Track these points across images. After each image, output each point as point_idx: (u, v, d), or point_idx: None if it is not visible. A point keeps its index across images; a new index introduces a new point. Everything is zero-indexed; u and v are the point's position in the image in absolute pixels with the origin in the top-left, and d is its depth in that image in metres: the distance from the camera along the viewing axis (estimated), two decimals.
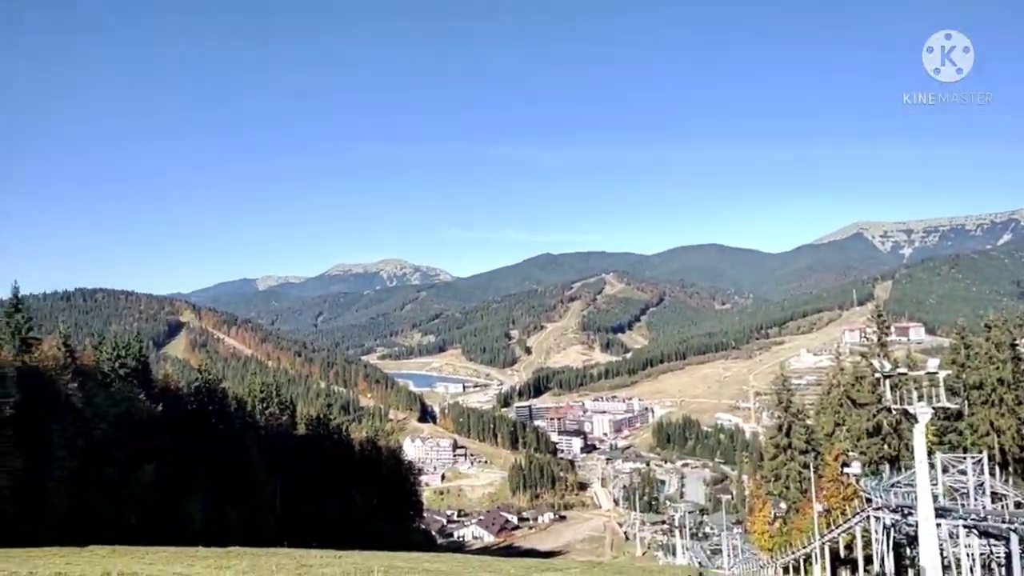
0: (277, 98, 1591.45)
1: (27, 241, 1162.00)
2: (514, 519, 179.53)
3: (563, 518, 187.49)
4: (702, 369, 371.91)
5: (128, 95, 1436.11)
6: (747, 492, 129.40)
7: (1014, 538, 32.10)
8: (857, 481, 48.84)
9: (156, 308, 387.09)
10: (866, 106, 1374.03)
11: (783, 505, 66.72)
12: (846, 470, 50.34)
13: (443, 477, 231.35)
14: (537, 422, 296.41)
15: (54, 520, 36.61)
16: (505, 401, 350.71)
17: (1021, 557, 33.97)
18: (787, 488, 66.85)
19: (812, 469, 57.92)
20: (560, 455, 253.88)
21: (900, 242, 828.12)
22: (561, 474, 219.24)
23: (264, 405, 70.16)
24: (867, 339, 66.73)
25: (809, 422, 72.39)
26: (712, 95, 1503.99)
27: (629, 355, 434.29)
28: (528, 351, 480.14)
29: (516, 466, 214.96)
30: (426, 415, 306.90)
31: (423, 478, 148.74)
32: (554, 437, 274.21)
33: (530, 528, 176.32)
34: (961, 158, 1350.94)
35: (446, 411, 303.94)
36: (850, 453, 53.62)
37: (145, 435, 45.42)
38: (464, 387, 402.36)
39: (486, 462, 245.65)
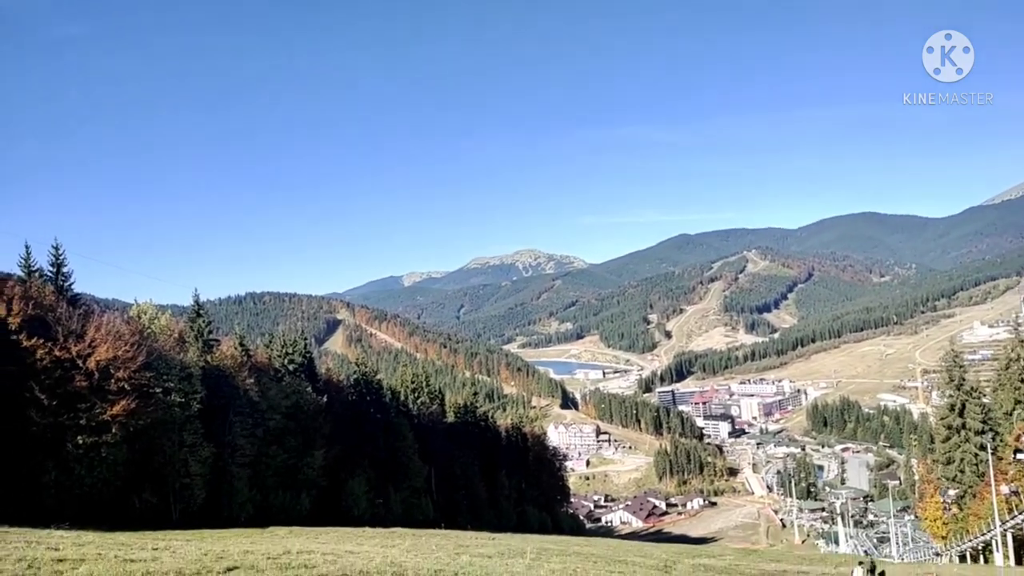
0: (412, 103, 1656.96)
1: (202, 250, 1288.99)
2: (662, 505, 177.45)
3: (713, 504, 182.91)
4: (860, 347, 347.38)
5: (282, 110, 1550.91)
6: (916, 477, 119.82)
7: None
8: None
9: (316, 308, 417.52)
10: None
11: (952, 492, 61.66)
12: (1019, 456, 45.87)
13: (588, 463, 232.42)
14: (681, 407, 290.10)
15: (240, 502, 41.08)
16: (647, 386, 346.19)
17: None
18: (961, 472, 61.56)
19: (990, 451, 53.00)
20: (707, 440, 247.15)
21: None
22: (709, 459, 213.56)
23: (416, 395, 74.08)
24: None
25: (985, 400, 66.07)
26: (846, 56, 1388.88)
27: (777, 335, 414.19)
28: (668, 335, 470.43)
29: (661, 451, 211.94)
30: (567, 402, 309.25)
31: (568, 464, 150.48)
32: (699, 422, 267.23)
33: (679, 514, 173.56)
34: None
35: (587, 398, 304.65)
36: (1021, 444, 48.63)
37: (314, 424, 49.74)
38: (604, 373, 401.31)
39: (630, 447, 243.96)
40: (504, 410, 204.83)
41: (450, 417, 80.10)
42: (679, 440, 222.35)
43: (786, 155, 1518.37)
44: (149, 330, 40.39)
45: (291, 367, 53.58)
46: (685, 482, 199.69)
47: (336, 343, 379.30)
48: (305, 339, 64.17)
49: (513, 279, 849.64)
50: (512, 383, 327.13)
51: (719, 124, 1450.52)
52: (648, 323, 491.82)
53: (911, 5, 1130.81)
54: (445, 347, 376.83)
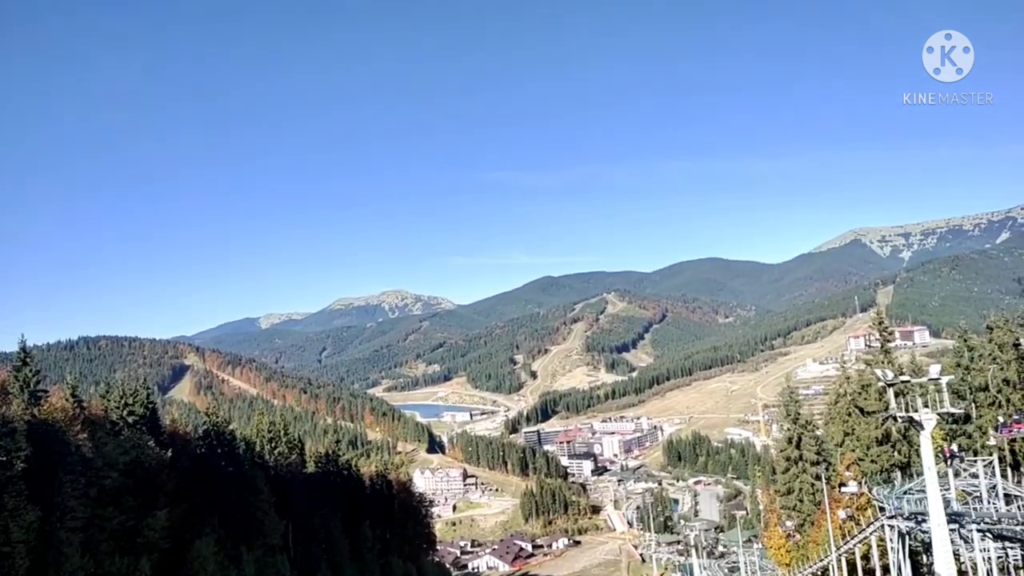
0: (271, 134, 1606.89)
1: (27, 292, 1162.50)
2: (528, 547, 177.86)
3: (578, 543, 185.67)
4: (709, 384, 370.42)
5: (120, 137, 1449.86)
6: (761, 507, 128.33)
7: None
8: (869, 490, 48.72)
9: (160, 352, 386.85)
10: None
11: (788, 523, 66.41)
12: (843, 490, 50.28)
13: (455, 508, 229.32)
14: (547, 447, 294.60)
15: (70, 570, 36.60)
16: (513, 427, 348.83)
17: None
18: (800, 501, 66.50)
19: (824, 480, 57.72)
20: (571, 479, 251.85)
21: (899, 246, 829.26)
22: (573, 498, 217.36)
23: (272, 445, 69.98)
24: (870, 346, 66.81)
25: (819, 432, 72.13)
26: (702, 109, 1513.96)
27: (635, 374, 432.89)
28: (534, 375, 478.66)
29: (528, 492, 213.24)
30: (434, 446, 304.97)
31: (435, 509, 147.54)
32: (564, 461, 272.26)
33: (545, 555, 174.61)
34: (955, 159, 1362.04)
35: (454, 440, 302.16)
36: (846, 473, 53.43)
37: (156, 481, 45.50)
38: (471, 415, 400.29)
39: (497, 490, 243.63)
40: (368, 457, 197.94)
41: (310, 467, 76.26)
42: (545, 480, 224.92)
43: (642, 202, 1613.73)
44: None
45: (131, 419, 48.91)
46: (551, 522, 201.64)
47: (183, 391, 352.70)
48: (148, 387, 58.94)
49: (379, 320, 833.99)
50: (377, 428, 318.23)
51: (583, 171, 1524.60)
52: (514, 364, 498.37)
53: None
54: (305, 392, 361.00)
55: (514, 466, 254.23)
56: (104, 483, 40.45)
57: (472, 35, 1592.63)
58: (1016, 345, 58.00)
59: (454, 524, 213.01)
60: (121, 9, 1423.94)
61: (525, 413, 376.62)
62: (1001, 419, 42.81)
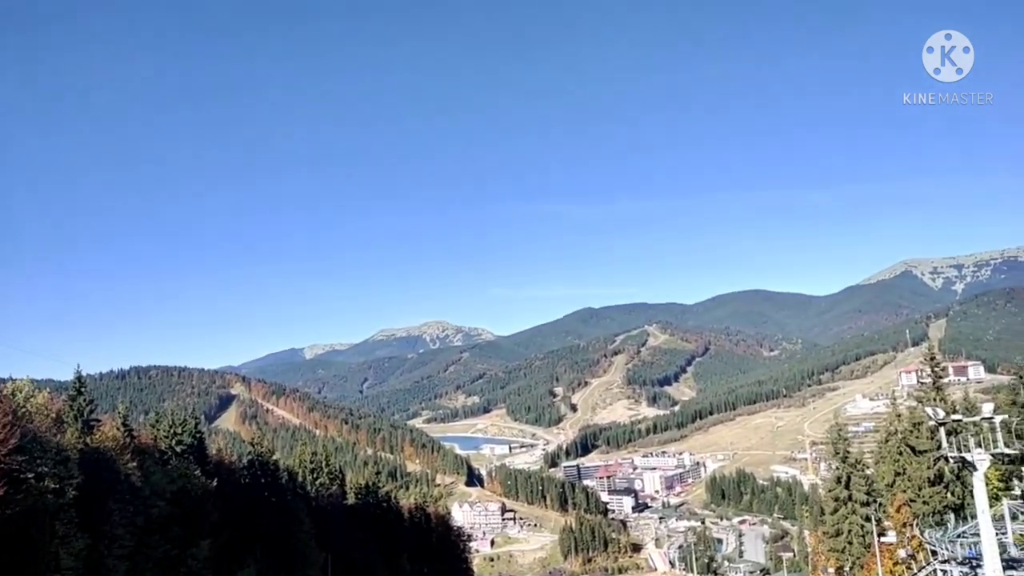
0: (318, 168, 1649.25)
1: (83, 322, 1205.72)
2: None
3: None
4: (754, 419, 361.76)
5: (170, 176, 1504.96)
6: (809, 549, 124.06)
7: None
8: (921, 533, 46.91)
9: (208, 382, 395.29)
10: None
11: (831, 569, 64.23)
12: (882, 540, 48.55)
13: (492, 543, 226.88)
14: (586, 481, 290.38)
15: None
16: (552, 461, 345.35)
17: None
18: (850, 543, 64.15)
19: (874, 522, 55.78)
20: (611, 515, 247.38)
21: (951, 278, 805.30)
22: (613, 535, 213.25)
23: (314, 475, 70.78)
24: (922, 382, 64.70)
25: (869, 472, 69.79)
26: (745, 139, 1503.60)
27: (677, 408, 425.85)
28: (574, 408, 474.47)
29: (567, 528, 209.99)
30: (473, 478, 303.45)
31: (472, 544, 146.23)
32: (604, 496, 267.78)
33: None
34: (1009, 187, 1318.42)
35: (493, 474, 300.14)
36: (887, 523, 51.52)
37: (201, 511, 46.39)
38: (510, 448, 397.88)
39: (536, 525, 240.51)
40: (407, 489, 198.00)
41: (351, 498, 76.77)
42: (584, 516, 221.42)
43: (684, 233, 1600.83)
44: (24, 409, 37.07)
45: (179, 448, 50.20)
46: (590, 560, 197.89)
47: (229, 420, 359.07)
48: (195, 417, 60.44)
49: (420, 351, 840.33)
50: (416, 460, 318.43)
51: (624, 203, 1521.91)
52: (554, 396, 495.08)
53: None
54: (347, 423, 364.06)
55: (553, 501, 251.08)
56: (151, 512, 41.44)
57: (517, 68, 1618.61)
58: None
59: (492, 560, 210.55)
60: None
61: (564, 447, 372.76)
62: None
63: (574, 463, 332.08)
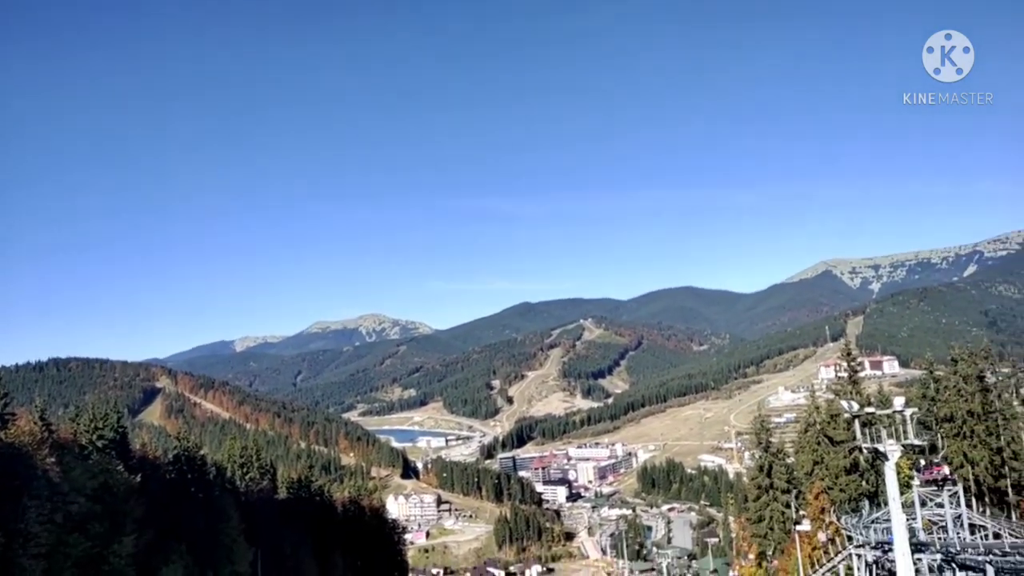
0: (250, 158, 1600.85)
1: None
2: (501, 574, 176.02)
3: (551, 571, 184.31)
4: (683, 411, 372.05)
5: (97, 160, 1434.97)
6: (733, 535, 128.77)
7: (990, 570, 32.74)
8: (837, 518, 49.35)
9: (131, 375, 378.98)
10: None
11: (751, 556, 66.91)
12: (798, 528, 50.90)
13: (428, 534, 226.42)
14: (521, 472, 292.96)
15: None
16: (488, 453, 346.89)
17: None
18: (771, 529, 66.95)
19: (794, 508, 58.39)
20: (546, 505, 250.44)
21: (868, 278, 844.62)
22: (547, 525, 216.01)
23: (244, 470, 69.15)
24: (840, 376, 68.01)
25: (789, 460, 72.91)
26: (680, 140, 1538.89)
27: (610, 400, 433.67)
28: (510, 401, 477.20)
29: (502, 519, 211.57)
30: (409, 471, 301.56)
31: (408, 536, 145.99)
32: (539, 487, 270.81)
33: None
34: (924, 194, 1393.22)
35: (429, 466, 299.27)
36: (802, 511, 54.10)
37: (124, 507, 44.71)
38: (447, 440, 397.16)
39: (471, 516, 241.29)
40: (342, 482, 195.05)
41: (282, 493, 75.39)
42: (519, 507, 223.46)
43: (619, 230, 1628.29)
44: None
45: (100, 443, 48.18)
46: (524, 549, 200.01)
47: (154, 414, 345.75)
48: (118, 411, 57.96)
49: (356, 344, 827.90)
50: (351, 453, 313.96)
51: (561, 199, 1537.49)
52: (491, 389, 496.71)
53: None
54: (279, 416, 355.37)
55: (489, 492, 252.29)
56: (71, 508, 39.68)
57: (453, 61, 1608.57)
58: (980, 378, 59.53)
59: (427, 551, 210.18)
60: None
61: (501, 439, 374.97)
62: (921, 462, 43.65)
63: (510, 455, 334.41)
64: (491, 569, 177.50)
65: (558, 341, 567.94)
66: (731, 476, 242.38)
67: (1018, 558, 32.47)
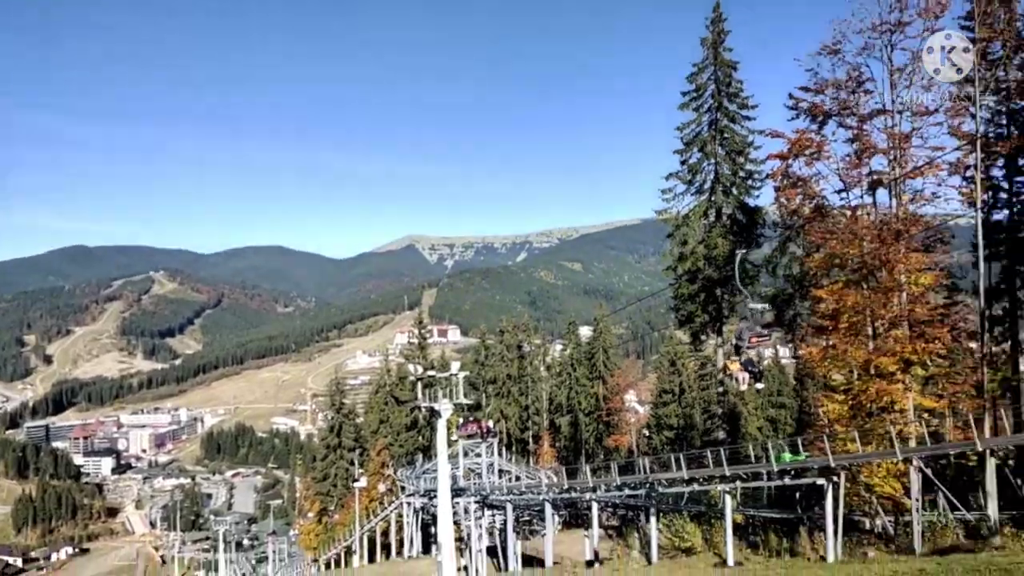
0: None
1: None
2: (18, 561, 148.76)
3: (85, 551, 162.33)
4: (260, 374, 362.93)
5: None
6: (298, 495, 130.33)
7: (509, 507, 38.67)
8: (394, 472, 52.95)
9: None
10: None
11: (311, 514, 68.98)
12: (355, 485, 54.39)
13: None
14: (56, 443, 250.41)
15: None
16: (12, 421, 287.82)
17: (515, 522, 41.06)
18: (334, 486, 69.20)
19: (357, 465, 61.08)
20: (86, 479, 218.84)
21: (444, 255, 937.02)
22: (86, 501, 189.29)
23: None
24: (411, 342, 73.42)
25: (359, 420, 76.32)
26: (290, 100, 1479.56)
27: (179, 361, 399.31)
28: (48, 360, 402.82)
29: (24, 498, 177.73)
30: None
31: None
32: (79, 459, 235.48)
33: (40, 569, 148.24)
34: (490, 190, 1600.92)
35: None
36: (360, 471, 57.97)
37: None
38: None
39: None
40: None
41: None
42: (49, 483, 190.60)
43: (202, 176, 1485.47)
44: None
45: None
46: (52, 531, 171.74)
47: None
48: None
49: None
50: None
51: (135, 127, 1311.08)
52: (23, 345, 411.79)
53: None
54: None
55: (9, 468, 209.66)
56: None
57: None
58: (519, 347, 70.34)
59: None
60: None
61: (31, 404, 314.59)
62: (461, 420, 50.65)
63: (42, 423, 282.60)
64: (4, 557, 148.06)
65: (119, 293, 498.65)
66: (303, 438, 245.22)
67: (529, 496, 39.11)
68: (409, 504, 47.64)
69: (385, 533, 53.41)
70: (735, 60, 38.73)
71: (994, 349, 31.88)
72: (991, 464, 22.27)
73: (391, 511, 50.61)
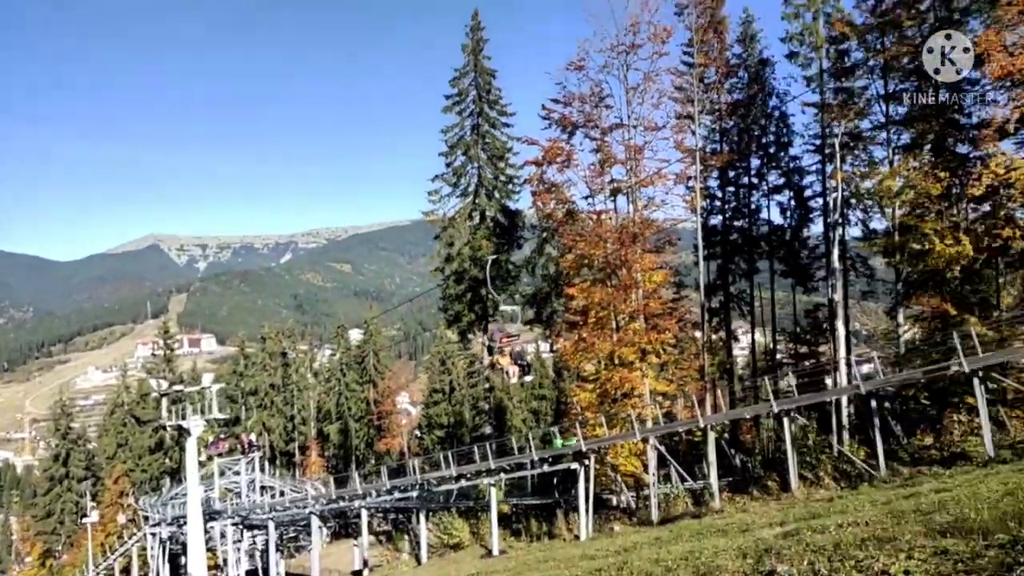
0: None
1: None
2: None
3: None
4: None
5: None
6: (15, 536, 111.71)
7: (271, 526, 36.40)
8: (136, 500, 47.45)
9: None
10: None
11: (29, 559, 60.18)
12: (84, 521, 48.53)
13: None
14: None
15: None
16: None
17: (279, 540, 38.78)
18: (61, 523, 60.22)
19: (89, 496, 53.71)
20: None
21: (196, 256, 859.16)
22: None
23: None
24: (155, 355, 66.17)
25: (91, 446, 67.17)
26: None
27: None
28: None
29: None
30: None
31: None
32: None
33: None
34: (251, 188, 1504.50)
35: None
36: (92, 504, 51.83)
37: None
38: None
39: None
40: None
41: None
42: None
43: None
44: None
45: None
46: None
47: None
48: None
49: None
50: None
51: None
52: None
53: None
54: None
55: None
56: None
57: None
58: (283, 354, 66.67)
59: None
60: None
61: None
62: (210, 437, 47.21)
63: None
64: None
65: None
66: (20, 471, 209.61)
67: (294, 510, 37.14)
68: (154, 535, 42.76)
69: (127, 570, 47.47)
70: (494, 68, 40.31)
71: (712, 337, 37.01)
72: (711, 438, 25.65)
73: (132, 544, 45.10)
